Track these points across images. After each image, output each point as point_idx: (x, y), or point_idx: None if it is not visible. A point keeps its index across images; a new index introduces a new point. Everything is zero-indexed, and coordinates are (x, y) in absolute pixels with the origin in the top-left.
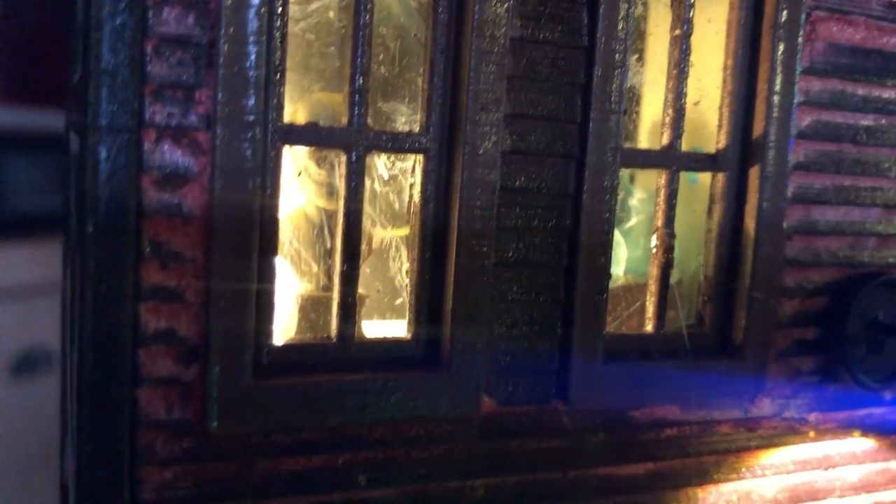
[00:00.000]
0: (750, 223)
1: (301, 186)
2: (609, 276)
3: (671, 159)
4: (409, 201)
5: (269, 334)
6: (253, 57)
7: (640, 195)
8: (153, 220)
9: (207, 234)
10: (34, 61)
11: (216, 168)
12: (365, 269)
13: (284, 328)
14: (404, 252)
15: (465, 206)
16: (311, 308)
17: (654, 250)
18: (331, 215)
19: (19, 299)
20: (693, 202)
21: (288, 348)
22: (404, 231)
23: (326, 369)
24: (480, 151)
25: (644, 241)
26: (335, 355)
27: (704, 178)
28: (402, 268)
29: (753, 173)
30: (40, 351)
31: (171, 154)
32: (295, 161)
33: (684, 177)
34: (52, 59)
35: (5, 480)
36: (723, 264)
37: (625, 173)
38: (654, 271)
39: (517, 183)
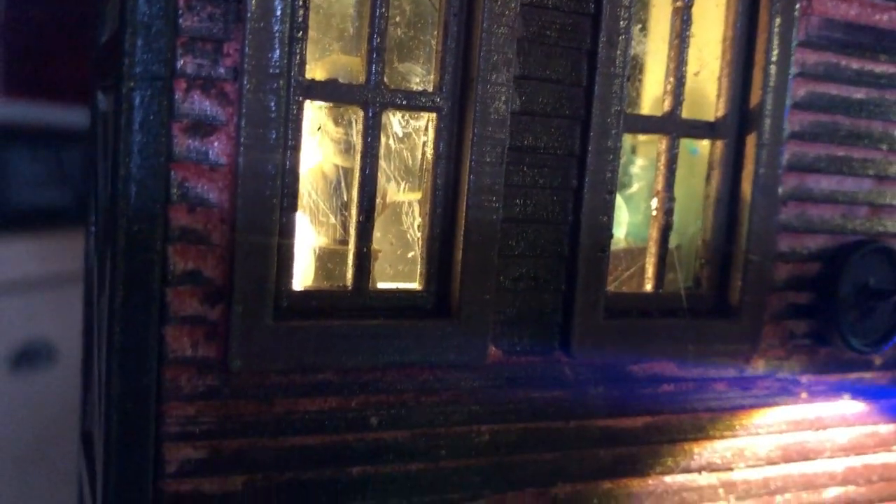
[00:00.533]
0: (747, 189)
1: (319, 143)
2: (611, 234)
3: (672, 125)
4: (422, 158)
5: (288, 280)
6: (278, 13)
7: (640, 163)
8: (182, 165)
9: (233, 181)
10: (38, 58)
11: (242, 118)
12: (379, 224)
13: (302, 277)
14: (416, 207)
15: (476, 162)
16: (328, 259)
17: (655, 213)
18: (347, 172)
19: (19, 293)
20: (692, 172)
21: (306, 294)
22: (417, 195)
23: (342, 315)
24: (491, 110)
25: (644, 206)
26: (350, 303)
27: (704, 149)
28: (414, 223)
29: (750, 141)
30: (40, 344)
31: (200, 103)
32: (314, 118)
33: (684, 149)
34: (56, 57)
35: (3, 472)
36: (720, 229)
37: (626, 142)
38: (654, 233)
39: (525, 142)
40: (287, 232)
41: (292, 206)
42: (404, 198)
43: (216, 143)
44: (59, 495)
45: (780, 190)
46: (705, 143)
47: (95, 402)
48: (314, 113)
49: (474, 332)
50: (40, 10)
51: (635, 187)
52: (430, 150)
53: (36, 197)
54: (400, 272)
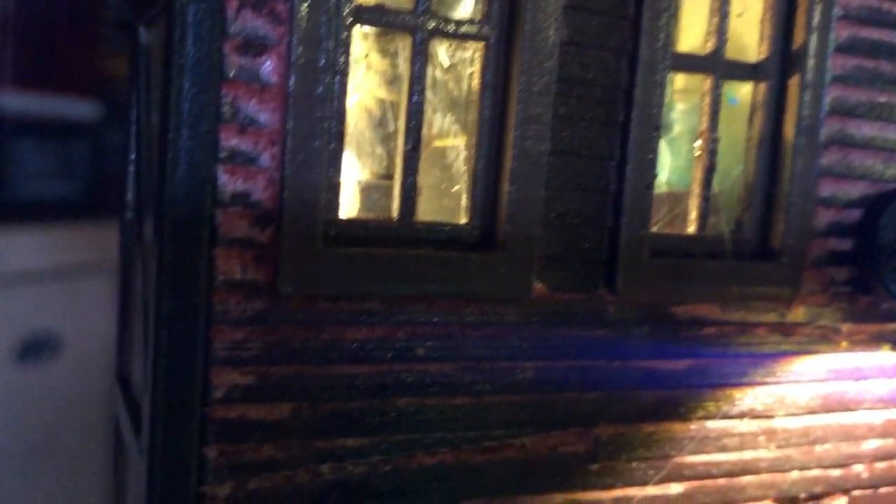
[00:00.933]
0: (789, 132)
1: (364, 76)
2: (656, 172)
3: (716, 65)
4: (469, 89)
5: (335, 208)
6: None
7: (680, 107)
8: (233, 84)
9: (283, 102)
10: (46, 51)
11: (293, 38)
12: (424, 156)
13: (348, 208)
14: (462, 139)
15: (524, 92)
16: (374, 190)
17: (698, 154)
18: (393, 104)
19: (26, 285)
20: (733, 118)
21: (353, 223)
22: (461, 140)
23: (389, 245)
24: (539, 39)
25: (686, 151)
26: (396, 234)
27: (743, 97)
28: (459, 155)
29: (793, 83)
30: (47, 336)
31: (252, 21)
32: (361, 48)
33: (724, 98)
34: (65, 50)
35: (11, 464)
36: (762, 172)
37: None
38: (697, 175)
39: (572, 74)
40: (335, 158)
41: (340, 132)
42: (449, 143)
43: (267, 63)
44: (66, 485)
45: (822, 134)
46: (745, 90)
47: (135, 343)
48: (360, 43)
49: (519, 266)
50: (49, 2)
51: (676, 131)
52: (476, 81)
53: (43, 189)
54: (444, 207)
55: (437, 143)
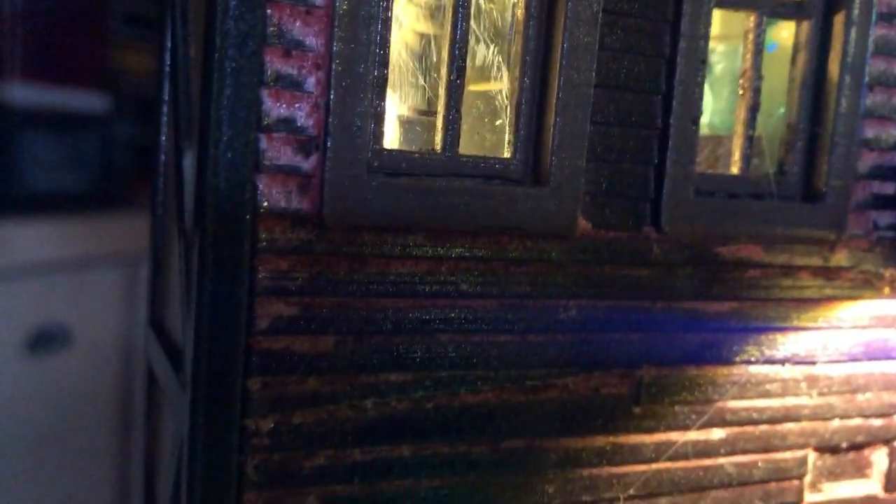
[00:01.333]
0: (834, 71)
1: (405, 8)
2: (702, 109)
3: (760, 1)
4: (513, 19)
5: (380, 137)
6: None
7: (721, 49)
8: (279, 5)
9: (329, 25)
10: (55, 43)
11: None
12: (467, 89)
13: (391, 142)
14: (506, 72)
15: (570, 21)
16: (416, 125)
17: (742, 93)
18: (435, 37)
19: (36, 277)
20: (773, 66)
21: (397, 155)
22: (505, 72)
23: (432, 176)
24: None
25: (727, 93)
26: (440, 167)
27: (782, 40)
28: (503, 88)
29: (838, 20)
30: (57, 328)
31: None
32: None
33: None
34: (73, 43)
35: (21, 455)
36: (805, 112)
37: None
38: (740, 115)
39: (619, 4)
40: (380, 85)
41: (385, 59)
42: (488, 87)
43: None
44: (75, 477)
45: (866, 74)
46: (783, 34)
47: (171, 284)
48: None
49: (564, 201)
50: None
51: (717, 72)
52: (521, 11)
53: (53, 181)
54: (488, 142)
55: (481, 76)
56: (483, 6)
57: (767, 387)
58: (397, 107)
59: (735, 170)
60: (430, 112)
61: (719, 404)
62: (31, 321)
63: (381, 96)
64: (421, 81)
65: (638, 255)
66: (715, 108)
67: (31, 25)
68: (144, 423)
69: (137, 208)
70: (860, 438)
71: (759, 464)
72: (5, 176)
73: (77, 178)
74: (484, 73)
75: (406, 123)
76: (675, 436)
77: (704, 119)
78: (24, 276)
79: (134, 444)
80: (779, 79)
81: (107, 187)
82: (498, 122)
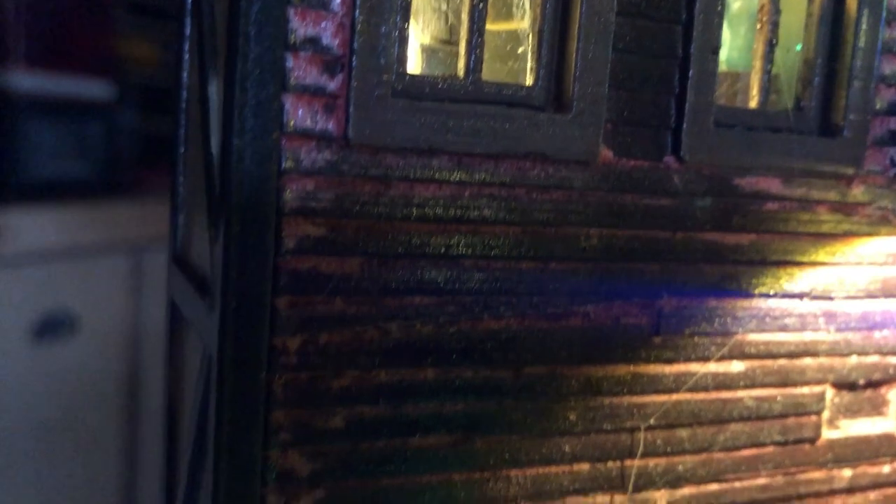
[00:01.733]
0: (852, 5)
1: None
2: (721, 39)
3: None
4: None
5: (404, 60)
6: None
7: None
8: None
9: None
10: (59, 30)
11: None
12: (488, 28)
13: (414, 67)
14: (528, 4)
15: None
16: (440, 51)
17: (759, 27)
18: None
19: (42, 263)
20: (791, 1)
21: (421, 78)
22: (521, 24)
23: (456, 100)
24: None
25: (745, 30)
26: (463, 91)
27: None
28: (525, 14)
29: None
30: (63, 315)
31: None
32: None
33: None
34: (77, 30)
35: (28, 441)
36: (823, 48)
37: None
38: (758, 49)
39: None
40: (405, 7)
41: None
42: (509, 27)
43: None
44: (81, 463)
45: (885, 8)
46: None
47: (191, 221)
48: None
49: (587, 128)
50: None
51: (735, 8)
52: None
53: (57, 168)
54: (510, 70)
55: (501, 14)
56: None
57: (786, 321)
58: (420, 35)
59: (753, 104)
60: (452, 41)
61: (738, 337)
62: (37, 308)
63: (406, 19)
64: (444, 6)
65: (659, 184)
66: (733, 44)
67: (36, 13)
68: (166, 360)
69: (143, 196)
70: (877, 376)
71: (778, 398)
72: (12, 163)
73: (83, 165)
74: (504, 12)
75: (428, 52)
76: (695, 367)
77: (722, 55)
78: (30, 263)
79: (141, 429)
80: (796, 14)
81: (113, 175)
82: (520, 50)
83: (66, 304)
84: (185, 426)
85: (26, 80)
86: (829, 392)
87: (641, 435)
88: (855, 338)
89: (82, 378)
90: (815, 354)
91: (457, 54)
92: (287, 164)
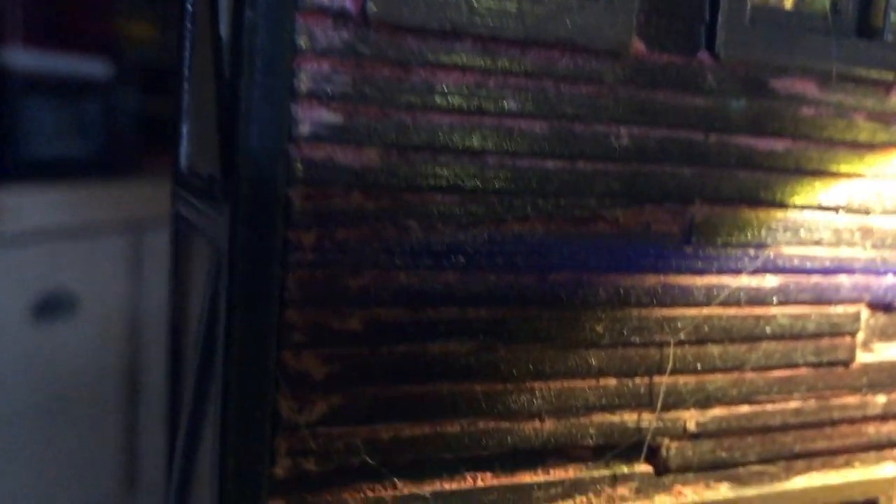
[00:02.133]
0: None
1: None
2: None
3: None
4: None
5: None
6: None
7: None
8: None
9: None
10: (57, 8)
11: None
12: None
13: None
14: None
15: None
16: None
17: None
18: None
19: (41, 243)
20: None
21: None
22: None
23: None
24: None
25: None
26: None
27: None
28: None
29: None
30: (62, 294)
31: None
32: None
33: None
34: (76, 8)
35: (25, 422)
36: None
37: None
38: None
39: None
40: None
41: None
42: None
43: None
44: (81, 443)
45: None
46: None
47: (200, 131)
48: None
49: (618, 15)
50: None
51: None
52: None
53: (56, 147)
54: None
55: None
56: None
57: (821, 234)
58: None
59: (789, 4)
60: None
61: (772, 249)
62: (36, 287)
63: None
64: None
65: (692, 82)
66: None
67: None
68: (171, 276)
69: (143, 176)
70: None
71: (812, 316)
72: (11, 142)
73: (83, 144)
74: None
75: None
76: (727, 279)
77: None
78: (29, 242)
79: (141, 409)
80: None
81: (113, 154)
82: None
83: (65, 283)
84: (191, 341)
85: (25, 59)
86: (864, 312)
87: (671, 350)
88: (892, 256)
89: (82, 358)
90: (850, 272)
91: None
92: (301, 41)
